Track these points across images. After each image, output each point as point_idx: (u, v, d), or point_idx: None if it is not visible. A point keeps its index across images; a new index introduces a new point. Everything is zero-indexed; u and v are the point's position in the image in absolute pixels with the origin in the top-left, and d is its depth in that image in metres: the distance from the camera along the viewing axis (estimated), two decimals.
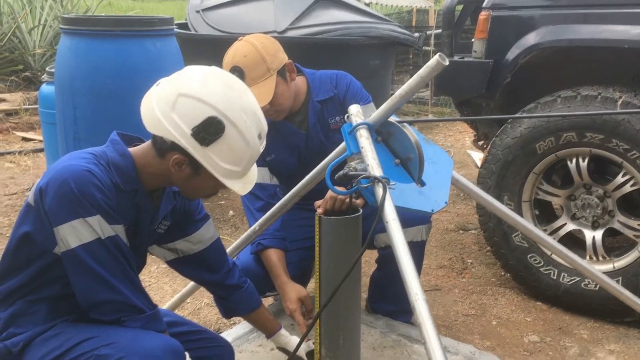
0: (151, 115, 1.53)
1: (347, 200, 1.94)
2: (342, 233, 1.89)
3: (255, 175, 1.68)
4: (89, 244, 1.48)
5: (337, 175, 1.68)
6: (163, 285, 2.94)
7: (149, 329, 1.57)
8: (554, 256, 2.66)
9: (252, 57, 2.05)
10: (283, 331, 2.01)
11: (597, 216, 2.67)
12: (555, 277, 2.68)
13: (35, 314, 1.58)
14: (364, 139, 1.69)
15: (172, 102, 1.50)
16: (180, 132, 1.50)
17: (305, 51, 3.43)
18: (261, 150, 1.64)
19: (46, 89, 4.32)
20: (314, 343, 1.97)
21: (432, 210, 1.80)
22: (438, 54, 1.62)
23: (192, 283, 2.30)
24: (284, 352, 2.00)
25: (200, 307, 2.76)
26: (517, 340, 2.48)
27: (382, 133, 1.80)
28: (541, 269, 2.71)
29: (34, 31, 7.37)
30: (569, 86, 2.67)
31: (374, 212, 1.73)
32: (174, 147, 1.53)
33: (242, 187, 1.62)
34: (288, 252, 2.25)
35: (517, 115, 2.76)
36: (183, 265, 1.90)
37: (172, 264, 1.91)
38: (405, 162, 1.80)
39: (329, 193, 1.95)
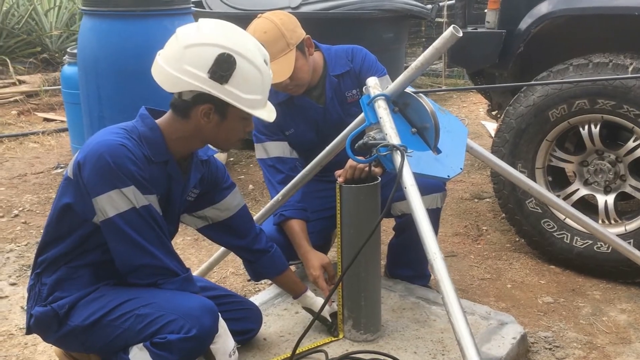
0: (167, 77, 1.59)
1: (367, 168, 2.01)
2: (362, 200, 1.98)
3: (272, 105, 1.74)
4: (124, 213, 1.58)
5: (357, 145, 1.74)
6: (189, 256, 3.02)
7: (184, 290, 1.67)
8: (567, 220, 2.71)
9: (272, 33, 2.09)
10: (309, 292, 2.10)
11: (609, 181, 2.71)
12: (568, 241, 2.74)
13: (78, 278, 1.69)
14: (382, 110, 1.75)
15: (180, 56, 1.57)
16: (198, 79, 1.56)
17: (318, 26, 3.44)
18: (272, 76, 1.70)
19: (68, 70, 4.35)
20: (337, 305, 2.07)
21: (448, 176, 1.85)
22: (452, 25, 1.67)
23: (217, 253, 2.40)
24: (309, 312, 2.09)
25: (226, 276, 2.85)
26: (532, 301, 2.56)
27: (399, 104, 1.85)
28: (555, 234, 2.76)
29: (50, 13, 7.39)
30: (581, 54, 2.69)
31: (392, 180, 1.79)
32: (196, 100, 1.61)
33: (267, 114, 1.69)
34: (309, 222, 2.32)
35: (530, 82, 2.78)
36: (213, 231, 1.99)
37: (202, 230, 2.00)
38: (422, 131, 1.86)
39: (349, 162, 2.01)
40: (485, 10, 2.99)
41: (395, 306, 2.26)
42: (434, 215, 2.28)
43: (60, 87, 4.81)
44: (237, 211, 1.97)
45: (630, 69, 2.53)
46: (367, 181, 2.00)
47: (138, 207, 1.59)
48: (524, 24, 2.79)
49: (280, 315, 2.21)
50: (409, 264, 2.42)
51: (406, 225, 2.30)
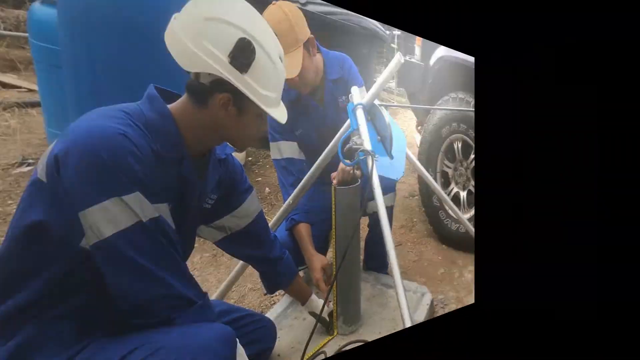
0: (184, 51, 1.24)
1: (352, 171, 2.09)
2: (347, 201, 2.06)
3: (284, 106, 1.52)
4: (127, 230, 1.14)
5: (345, 148, 1.87)
6: (208, 276, 2.66)
7: (202, 320, 1.31)
8: (449, 210, 3.39)
9: (285, 25, 1.97)
10: (314, 296, 2.01)
11: (464, 182, 3.47)
12: (449, 226, 3.43)
13: (57, 337, 1.19)
14: (361, 118, 1.86)
15: (201, 29, 1.24)
16: (218, 62, 1.25)
17: (320, 28, 3.01)
18: (285, 74, 1.45)
19: (41, 10, 2.74)
20: (332, 304, 2.09)
21: (397, 178, 2.08)
22: (398, 52, 1.92)
23: (235, 269, 2.20)
24: (313, 316, 2.07)
25: (244, 294, 2.67)
26: (435, 274, 3.13)
27: (370, 113, 2.02)
28: (444, 221, 3.44)
29: None
30: (458, 90, 3.39)
31: (367, 182, 1.85)
32: (214, 86, 1.29)
33: (280, 114, 1.43)
34: (312, 225, 2.31)
35: (419, 105, 3.45)
36: (231, 243, 1.72)
37: (220, 243, 1.72)
38: (383, 139, 2.06)
39: (340, 165, 2.07)
40: (415, 45, 3.54)
41: (369, 295, 2.41)
42: (390, 212, 2.44)
43: (26, 34, 2.97)
44: (255, 217, 1.70)
45: (472, 103, 3.27)
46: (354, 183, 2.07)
47: (145, 220, 1.16)
48: (432, 60, 3.41)
49: (291, 326, 2.16)
50: (377, 256, 2.58)
51: (376, 222, 2.42)
